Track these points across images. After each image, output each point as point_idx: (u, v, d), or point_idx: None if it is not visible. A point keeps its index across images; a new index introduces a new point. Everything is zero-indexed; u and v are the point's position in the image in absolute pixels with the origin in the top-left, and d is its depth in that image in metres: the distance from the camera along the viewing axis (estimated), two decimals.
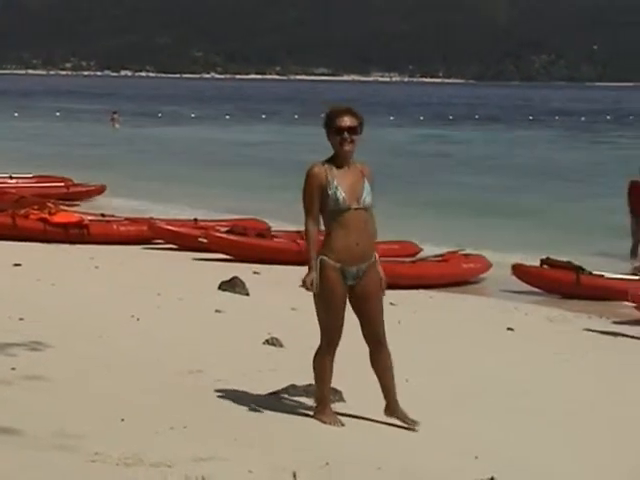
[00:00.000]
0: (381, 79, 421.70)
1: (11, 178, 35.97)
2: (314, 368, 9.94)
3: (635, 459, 9.97)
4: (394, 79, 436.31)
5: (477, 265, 23.50)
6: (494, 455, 9.32)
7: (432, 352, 13.39)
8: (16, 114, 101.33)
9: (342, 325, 9.65)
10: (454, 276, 22.69)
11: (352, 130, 9.35)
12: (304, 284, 9.54)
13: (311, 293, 9.55)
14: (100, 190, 36.16)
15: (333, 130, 9.38)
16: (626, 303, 19.01)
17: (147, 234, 25.66)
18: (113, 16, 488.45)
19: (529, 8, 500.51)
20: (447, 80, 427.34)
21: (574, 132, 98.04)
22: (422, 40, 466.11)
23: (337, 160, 9.41)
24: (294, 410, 10.36)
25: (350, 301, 9.61)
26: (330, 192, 9.22)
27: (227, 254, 23.96)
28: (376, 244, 9.90)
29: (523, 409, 11.39)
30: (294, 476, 8.05)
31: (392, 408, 9.91)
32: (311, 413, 10.13)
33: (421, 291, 21.25)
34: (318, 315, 9.69)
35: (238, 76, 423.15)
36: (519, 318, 18.56)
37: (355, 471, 8.53)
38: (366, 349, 9.91)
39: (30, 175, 37.05)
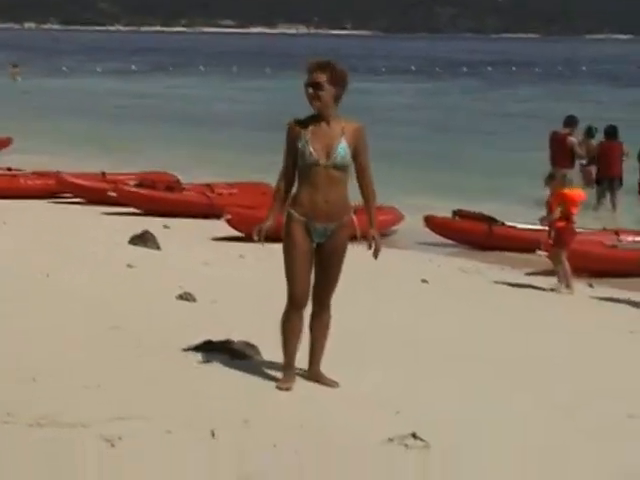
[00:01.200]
0: (287, 31, 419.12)
1: None
2: (281, 330, 9.59)
3: (552, 401, 9.95)
4: (300, 31, 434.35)
5: (389, 217, 23.31)
6: (415, 410, 9.16)
7: (345, 306, 13.23)
8: None
9: (307, 283, 9.42)
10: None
11: (317, 86, 9.10)
12: (254, 231, 9.36)
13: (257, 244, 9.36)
14: (5, 143, 35.51)
15: (304, 83, 9.19)
16: (538, 253, 18.98)
17: (55, 188, 25.27)
18: None
19: None
20: (354, 32, 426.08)
21: (482, 83, 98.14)
22: None
23: (316, 116, 9.22)
24: (212, 367, 10.14)
25: (315, 259, 9.40)
26: (299, 146, 9.08)
27: (137, 208, 23.68)
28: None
29: (440, 361, 11.29)
30: (212, 434, 7.99)
31: (316, 372, 9.80)
32: (228, 369, 10.01)
33: None
34: (285, 270, 9.39)
35: (143, 28, 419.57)
36: (433, 270, 18.44)
37: (275, 429, 8.34)
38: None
39: None
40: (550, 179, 17.98)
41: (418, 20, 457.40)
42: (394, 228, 23.57)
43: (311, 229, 9.21)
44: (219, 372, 9.98)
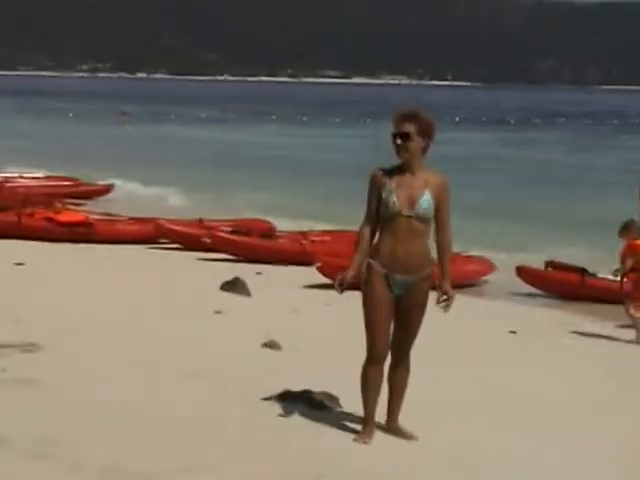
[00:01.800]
0: (390, 82, 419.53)
1: (21, 178, 35.61)
2: (361, 383, 9.35)
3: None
4: (403, 82, 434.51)
5: (480, 267, 23.10)
6: (490, 466, 8.95)
7: (435, 356, 12.98)
8: (25, 114, 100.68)
9: (387, 336, 9.20)
10: (456, 278, 22.22)
11: (405, 136, 8.92)
12: (335, 282, 9.12)
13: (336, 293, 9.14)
14: (107, 190, 35.75)
15: (391, 134, 9.02)
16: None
17: (152, 233, 25.30)
18: (127, 18, 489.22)
19: (536, 13, 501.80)
20: (455, 83, 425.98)
21: (581, 134, 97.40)
22: (431, 42, 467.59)
23: (400, 166, 9.05)
24: (290, 417, 9.94)
25: (395, 311, 9.17)
26: (383, 195, 8.91)
27: (230, 254, 23.59)
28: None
29: (523, 417, 11.00)
30: None
31: (393, 425, 9.61)
32: (306, 420, 9.83)
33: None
34: (365, 322, 9.18)
35: (249, 78, 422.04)
36: (522, 321, 18.11)
37: None
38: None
39: (40, 175, 36.79)
40: (624, 229, 17.57)
41: (517, 71, 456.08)
42: (484, 278, 23.15)
43: (391, 281, 8.99)
44: (297, 423, 9.77)
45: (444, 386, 11.67)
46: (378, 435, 9.46)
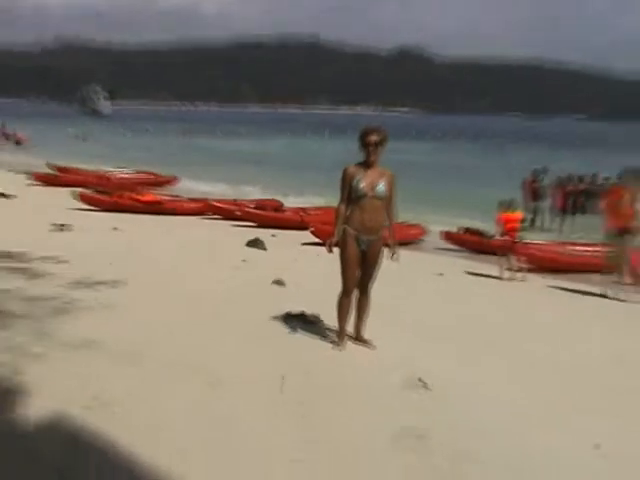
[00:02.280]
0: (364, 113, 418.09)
1: (120, 173, 35.62)
2: (337, 311, 9.47)
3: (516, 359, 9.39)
4: (364, 112, 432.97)
5: (418, 231, 23.02)
6: (423, 365, 8.81)
7: (389, 290, 12.79)
8: (128, 134, 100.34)
9: (354, 276, 9.29)
10: (402, 238, 22.14)
11: (376, 144, 9.08)
12: (326, 244, 9.25)
13: (326, 252, 9.28)
14: (174, 180, 35.65)
15: (364, 144, 9.10)
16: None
17: (203, 209, 25.16)
18: (188, 65, 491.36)
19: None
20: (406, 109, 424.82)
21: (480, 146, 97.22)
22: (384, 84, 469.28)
23: (365, 164, 9.13)
24: (289, 330, 9.90)
25: (361, 261, 9.25)
26: (354, 183, 9.01)
27: (254, 222, 23.40)
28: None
29: (450, 333, 10.88)
30: (282, 381, 7.81)
31: (359, 337, 9.69)
32: (300, 331, 9.86)
33: None
34: (341, 268, 9.26)
35: (267, 108, 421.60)
36: (446, 267, 17.99)
37: (327, 376, 8.19)
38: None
39: (130, 171, 36.66)
40: (499, 206, 17.73)
41: (446, 103, 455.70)
42: (421, 238, 23.02)
43: (359, 240, 9.09)
44: (295, 333, 9.77)
45: (395, 311, 11.53)
46: (349, 344, 9.47)
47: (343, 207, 9.18)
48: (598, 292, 15.77)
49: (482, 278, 17.29)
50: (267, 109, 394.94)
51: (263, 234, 20.03)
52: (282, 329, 9.90)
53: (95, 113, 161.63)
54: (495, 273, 17.49)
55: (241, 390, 7.42)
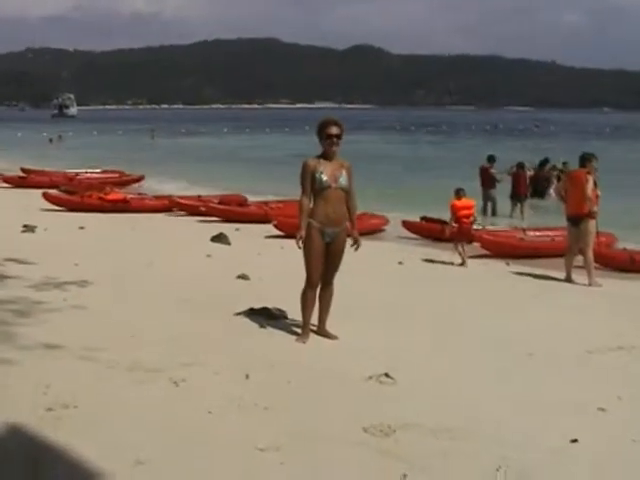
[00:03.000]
0: (321, 106, 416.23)
1: (86, 172, 34.79)
2: (301, 302, 9.10)
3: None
4: (329, 106, 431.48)
5: (380, 221, 22.53)
6: (389, 357, 8.42)
7: (346, 281, 12.40)
8: (95, 132, 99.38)
9: (319, 269, 8.94)
10: (365, 228, 21.77)
11: (337, 136, 8.85)
12: (295, 240, 8.84)
13: (295, 246, 8.89)
14: (141, 178, 34.78)
15: (325, 136, 8.84)
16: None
17: (169, 206, 24.51)
18: (156, 68, 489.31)
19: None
20: (361, 106, 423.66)
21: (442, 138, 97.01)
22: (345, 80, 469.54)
23: (325, 156, 8.86)
24: (252, 325, 9.49)
25: (325, 253, 8.90)
26: (317, 176, 8.71)
27: (218, 217, 22.78)
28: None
29: (409, 320, 10.49)
30: (246, 377, 7.39)
31: (323, 329, 9.30)
32: (264, 327, 9.43)
33: None
34: (305, 261, 8.93)
35: (233, 106, 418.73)
36: (406, 254, 17.59)
37: (291, 370, 7.76)
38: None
39: (98, 170, 35.93)
40: (454, 193, 17.44)
41: (400, 97, 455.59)
42: (383, 228, 22.54)
43: (324, 232, 8.79)
44: (257, 329, 9.36)
45: (356, 300, 11.06)
46: (312, 336, 9.13)
47: (306, 200, 8.85)
48: (560, 277, 15.41)
49: (438, 265, 16.92)
50: (229, 108, 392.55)
51: (227, 229, 19.59)
52: (247, 324, 9.53)
53: (63, 115, 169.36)
54: (451, 259, 17.19)
55: (206, 387, 7.02)
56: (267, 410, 6.54)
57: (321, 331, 9.25)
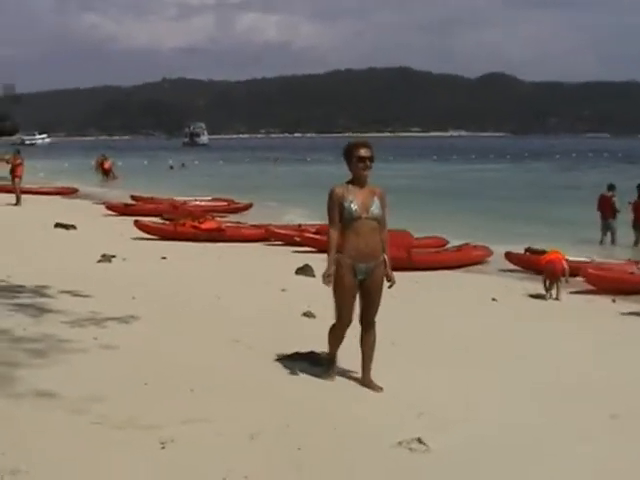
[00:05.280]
0: (454, 134, 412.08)
1: (195, 200, 34.43)
2: (328, 339, 8.38)
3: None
4: (462, 134, 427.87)
5: (483, 252, 21.19)
6: (437, 416, 7.23)
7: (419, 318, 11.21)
8: (221, 161, 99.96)
9: (352, 309, 8.11)
10: (467, 260, 20.55)
11: (369, 159, 8.03)
12: (322, 277, 8.11)
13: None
14: (249, 206, 34.02)
15: (355, 159, 8.01)
16: (578, 278, 16.93)
17: (265, 235, 23.70)
18: (289, 97, 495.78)
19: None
20: (495, 134, 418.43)
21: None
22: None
23: (355, 182, 8.04)
24: (285, 374, 8.47)
25: (359, 292, 8.06)
26: (346, 205, 7.87)
27: (314, 248, 21.38)
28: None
29: (478, 368, 9.28)
30: (251, 438, 6.34)
31: (366, 379, 8.24)
32: (295, 376, 8.39)
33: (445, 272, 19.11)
34: (335, 300, 8.12)
35: (367, 135, 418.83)
36: (503, 291, 16.26)
37: (310, 431, 6.64)
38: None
39: (208, 197, 35.54)
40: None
41: (533, 124, 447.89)
42: (487, 260, 21.17)
43: (356, 268, 7.91)
44: (290, 378, 8.33)
45: (428, 340, 9.93)
46: (353, 386, 8.15)
47: (335, 233, 7.97)
48: None
49: (535, 301, 15.56)
50: (361, 136, 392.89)
51: (320, 260, 18.56)
52: (280, 372, 8.51)
53: (194, 144, 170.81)
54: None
55: (195, 451, 5.99)
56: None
57: (364, 381, 8.23)
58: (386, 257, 8.08)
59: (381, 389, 8.05)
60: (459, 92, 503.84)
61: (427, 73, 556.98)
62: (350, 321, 8.11)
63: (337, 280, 7.94)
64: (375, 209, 7.93)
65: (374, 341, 8.23)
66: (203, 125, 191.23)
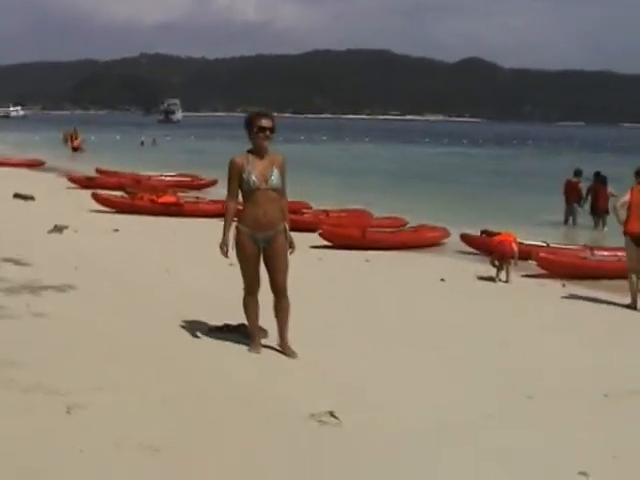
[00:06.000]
0: (430, 118, 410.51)
1: (161, 175, 34.22)
2: (243, 309, 8.43)
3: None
4: (438, 118, 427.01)
5: (441, 233, 21.10)
6: (355, 389, 7.21)
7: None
8: (192, 137, 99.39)
9: (257, 276, 8.28)
10: (423, 240, 20.49)
11: (270, 129, 8.10)
12: (220, 249, 8.27)
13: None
14: (213, 182, 33.49)
15: (256, 128, 8.06)
16: (530, 261, 16.90)
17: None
18: (267, 76, 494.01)
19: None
20: (470, 119, 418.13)
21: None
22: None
23: (255, 152, 8.13)
24: (210, 344, 8.56)
25: (263, 260, 8.23)
26: (245, 176, 7.97)
27: None
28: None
29: (407, 343, 9.29)
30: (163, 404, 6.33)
31: (283, 345, 8.41)
32: (218, 347, 8.51)
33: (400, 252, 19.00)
34: (240, 269, 8.30)
35: (343, 116, 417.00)
36: (454, 272, 16.22)
37: (222, 400, 6.63)
38: None
39: (173, 173, 35.33)
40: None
41: (509, 111, 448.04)
42: (444, 241, 21.10)
43: (255, 237, 8.10)
44: (213, 347, 8.43)
45: (364, 317, 9.93)
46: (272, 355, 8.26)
47: (232, 204, 8.28)
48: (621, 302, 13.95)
49: (484, 283, 15.55)
50: (338, 117, 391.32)
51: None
52: (206, 342, 8.58)
53: (169, 121, 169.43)
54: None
55: (100, 418, 5.95)
56: (153, 454, 5.38)
57: (281, 346, 8.40)
58: (286, 225, 8.22)
59: (296, 355, 8.21)
60: (438, 76, 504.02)
61: (406, 57, 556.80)
62: (256, 288, 8.29)
63: (239, 249, 8.13)
64: (274, 179, 8.03)
65: (287, 307, 8.36)
66: (178, 102, 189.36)
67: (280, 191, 8.14)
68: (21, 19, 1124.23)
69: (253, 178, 7.95)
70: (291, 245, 8.30)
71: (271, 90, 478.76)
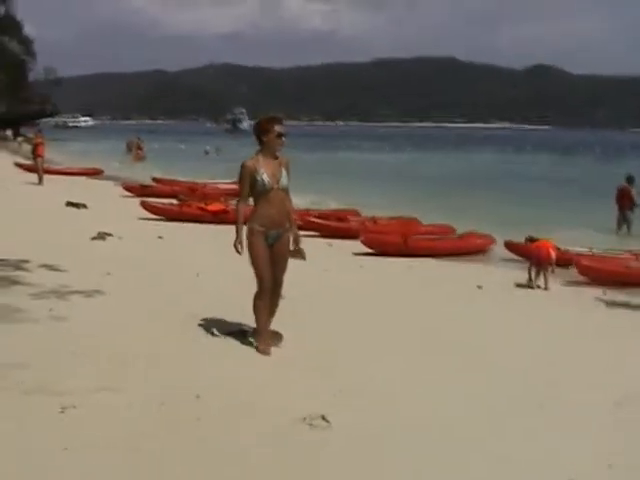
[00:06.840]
0: (492, 126, 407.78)
1: (217, 183, 34.40)
2: (254, 309, 8.69)
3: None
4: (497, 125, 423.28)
5: (485, 241, 21.09)
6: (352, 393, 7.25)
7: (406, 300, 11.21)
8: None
9: (270, 273, 8.57)
10: (467, 248, 20.42)
11: (285, 135, 8.53)
12: (234, 247, 8.48)
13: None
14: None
15: (275, 134, 8.42)
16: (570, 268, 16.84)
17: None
18: (333, 85, 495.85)
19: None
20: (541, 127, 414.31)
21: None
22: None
23: (267, 154, 8.48)
24: (217, 348, 8.62)
25: (270, 255, 8.55)
26: (258, 177, 8.33)
27: (317, 232, 21.53)
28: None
29: (419, 350, 9.30)
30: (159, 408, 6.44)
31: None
32: (226, 351, 8.61)
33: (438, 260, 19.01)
34: (254, 268, 8.56)
35: (409, 124, 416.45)
36: (493, 279, 16.17)
37: (218, 402, 6.66)
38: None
39: (229, 181, 35.54)
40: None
41: (579, 118, 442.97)
42: (489, 248, 21.04)
43: (267, 235, 8.46)
44: (217, 352, 8.48)
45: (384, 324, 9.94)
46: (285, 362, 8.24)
47: (243, 207, 8.58)
48: None
49: (522, 290, 15.49)
50: (403, 126, 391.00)
51: (320, 244, 18.79)
52: (213, 345, 8.66)
53: (236, 130, 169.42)
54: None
55: (92, 419, 6.07)
56: (140, 455, 5.47)
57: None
58: (293, 223, 8.69)
59: (281, 338, 8.87)
60: (504, 83, 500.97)
61: (471, 64, 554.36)
62: (270, 286, 8.55)
63: (252, 248, 8.43)
64: (284, 180, 8.44)
65: (278, 299, 8.80)
66: (244, 110, 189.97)
67: (287, 191, 8.55)
68: (94, 31, 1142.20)
69: (267, 179, 8.31)
70: (297, 242, 8.76)
71: (337, 98, 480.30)
